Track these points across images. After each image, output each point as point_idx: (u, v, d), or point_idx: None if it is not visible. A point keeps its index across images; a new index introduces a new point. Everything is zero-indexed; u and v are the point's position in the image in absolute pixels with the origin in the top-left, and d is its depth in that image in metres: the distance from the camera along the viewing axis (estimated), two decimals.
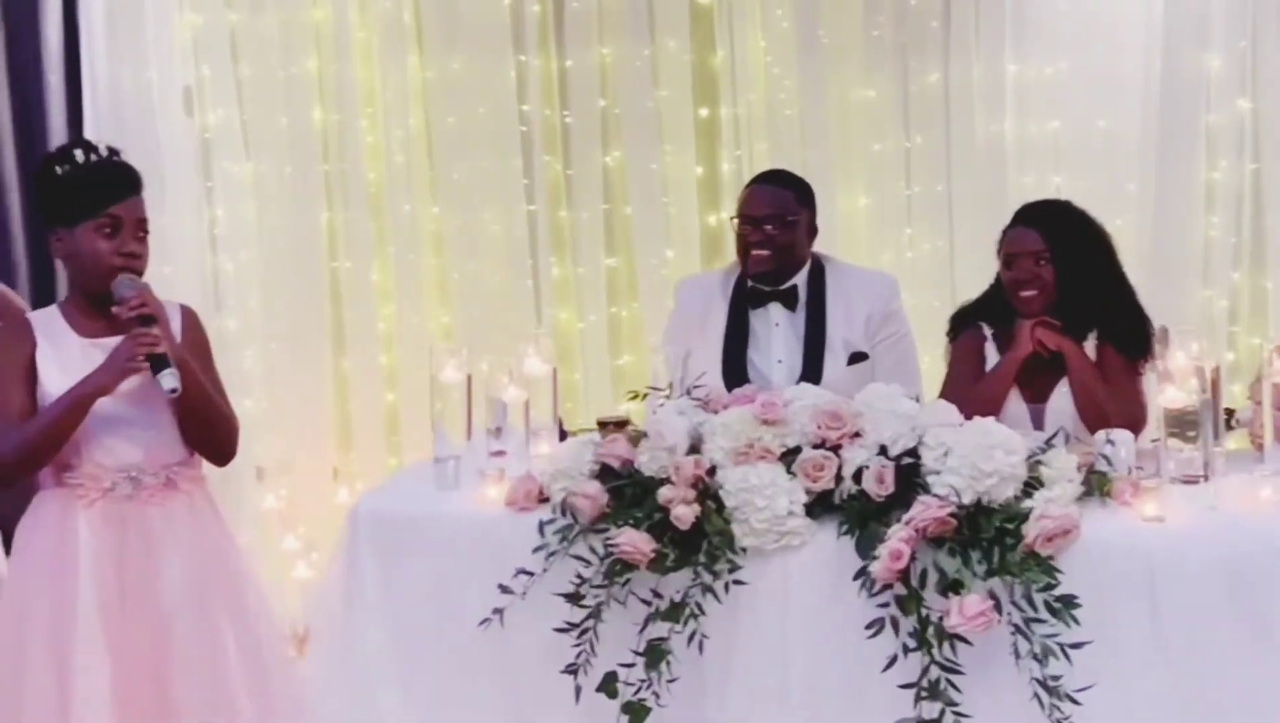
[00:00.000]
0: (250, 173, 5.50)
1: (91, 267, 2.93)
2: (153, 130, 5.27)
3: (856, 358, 3.99)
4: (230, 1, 5.44)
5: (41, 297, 5.74)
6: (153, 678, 2.93)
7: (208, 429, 3.07)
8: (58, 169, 2.93)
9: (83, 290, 3.00)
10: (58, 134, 5.90)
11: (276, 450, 5.38)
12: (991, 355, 3.85)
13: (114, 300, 2.90)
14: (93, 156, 2.95)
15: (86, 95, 5.53)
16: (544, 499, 3.30)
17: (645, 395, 3.64)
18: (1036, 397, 3.75)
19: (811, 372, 3.94)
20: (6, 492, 3.04)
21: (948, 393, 3.77)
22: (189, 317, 3.16)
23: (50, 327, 2.98)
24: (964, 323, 3.95)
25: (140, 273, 2.97)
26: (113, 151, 3.00)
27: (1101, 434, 3.32)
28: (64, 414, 2.86)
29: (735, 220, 4.08)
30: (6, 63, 6.04)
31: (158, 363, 2.86)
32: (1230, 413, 3.63)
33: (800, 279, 4.05)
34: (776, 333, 4.04)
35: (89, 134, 5.31)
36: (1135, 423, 3.55)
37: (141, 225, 2.97)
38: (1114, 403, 3.64)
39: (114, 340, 2.90)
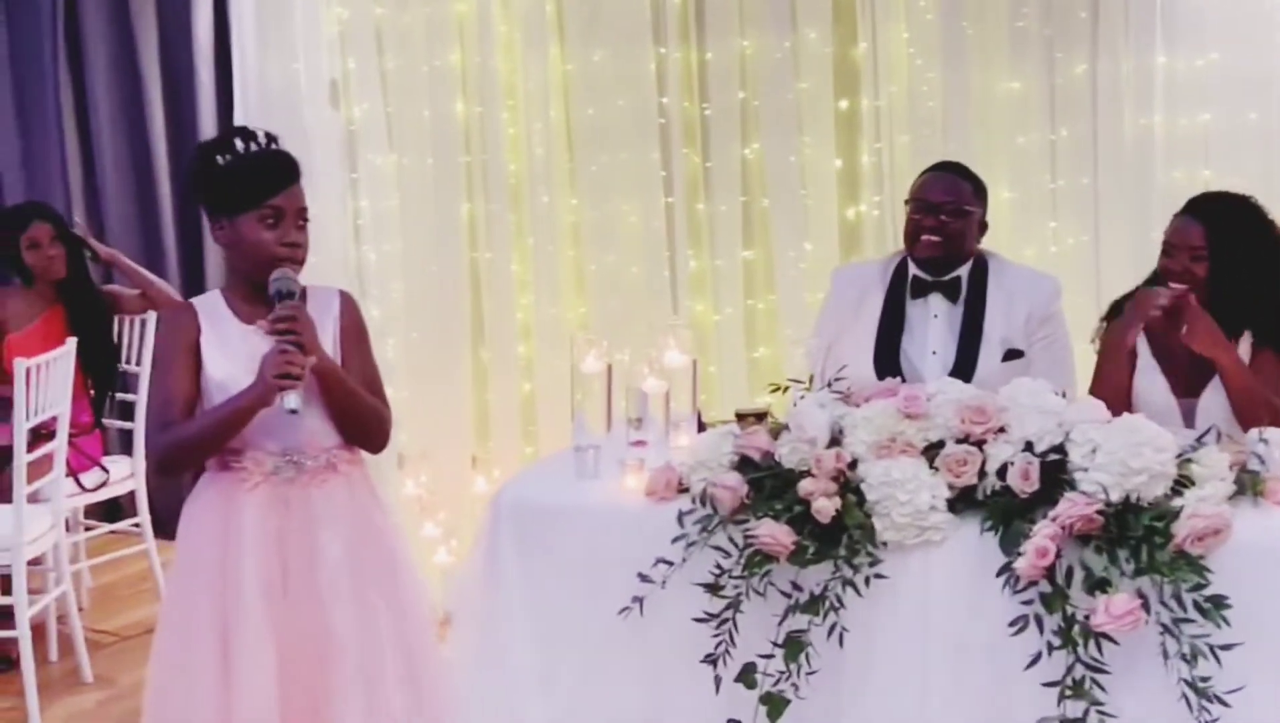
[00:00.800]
0: (394, 165, 5.60)
1: (254, 256, 2.95)
2: (300, 122, 5.42)
3: (1012, 355, 3.96)
4: None
5: (191, 284, 5.92)
6: (315, 656, 2.99)
7: (358, 424, 3.10)
8: (219, 159, 2.95)
9: (245, 278, 3.03)
10: (208, 126, 6.11)
11: (418, 439, 5.48)
12: (1144, 352, 3.78)
13: (269, 292, 2.93)
14: (252, 146, 2.96)
15: (237, 88, 5.70)
16: (683, 490, 3.31)
17: (786, 388, 3.64)
18: (1189, 392, 3.69)
19: (965, 366, 3.92)
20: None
21: (1098, 387, 3.74)
22: (347, 302, 3.19)
23: (214, 312, 3.02)
24: (1117, 313, 3.88)
25: (302, 262, 3.00)
26: (271, 139, 3.01)
27: (1254, 433, 3.26)
28: (221, 425, 2.92)
29: (907, 204, 4.06)
30: (160, 57, 6.25)
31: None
32: None
33: (964, 272, 4.03)
34: (934, 324, 4.01)
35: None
36: None
37: (302, 214, 2.99)
38: (1269, 402, 3.57)
39: None
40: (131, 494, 5.51)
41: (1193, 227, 3.71)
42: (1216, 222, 3.71)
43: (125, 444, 5.72)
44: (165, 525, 6.06)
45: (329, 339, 3.07)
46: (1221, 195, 3.88)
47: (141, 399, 5.34)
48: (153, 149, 6.34)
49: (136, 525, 5.51)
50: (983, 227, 4.08)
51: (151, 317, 5.39)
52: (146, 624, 5.26)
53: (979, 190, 4.06)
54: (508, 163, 5.52)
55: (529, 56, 5.46)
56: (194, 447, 2.96)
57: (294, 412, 2.86)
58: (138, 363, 5.44)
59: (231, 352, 2.98)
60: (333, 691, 2.99)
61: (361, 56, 5.60)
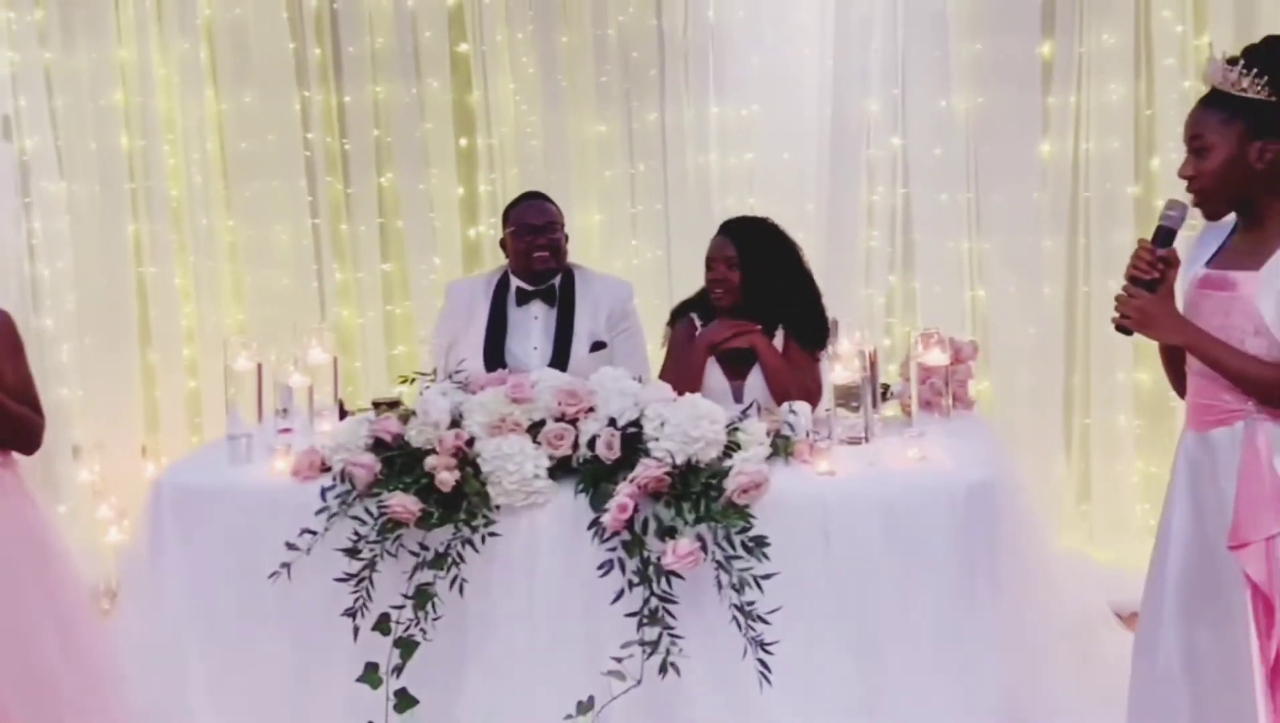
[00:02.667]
0: (64, 191, 5.31)
1: None
2: None
3: (597, 346, 4.00)
4: (45, 40, 5.25)
5: None
6: None
7: (10, 430, 2.88)
8: None
9: None
10: None
11: (93, 432, 5.20)
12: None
13: None
14: None
15: None
16: (325, 469, 3.23)
17: (414, 380, 3.59)
18: (736, 376, 3.79)
19: (561, 357, 3.94)
20: None
21: (665, 373, 3.81)
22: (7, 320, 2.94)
23: None
24: (679, 315, 3.99)
25: None
26: None
27: (785, 406, 3.41)
28: None
29: (508, 234, 4.03)
30: None
31: None
32: (886, 387, 3.77)
33: (556, 281, 4.04)
34: (534, 325, 4.01)
35: None
36: (812, 397, 3.64)
37: None
38: (797, 382, 3.72)
39: None
40: None
41: (726, 243, 3.82)
42: (744, 238, 3.82)
43: None
44: None
45: None
46: (745, 218, 4.01)
47: None
48: None
49: None
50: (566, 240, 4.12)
51: None
52: None
53: (559, 211, 4.09)
54: (169, 189, 5.26)
55: (186, 97, 5.21)
56: None
57: None
58: None
59: None
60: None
61: (32, 95, 5.24)
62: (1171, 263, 2.53)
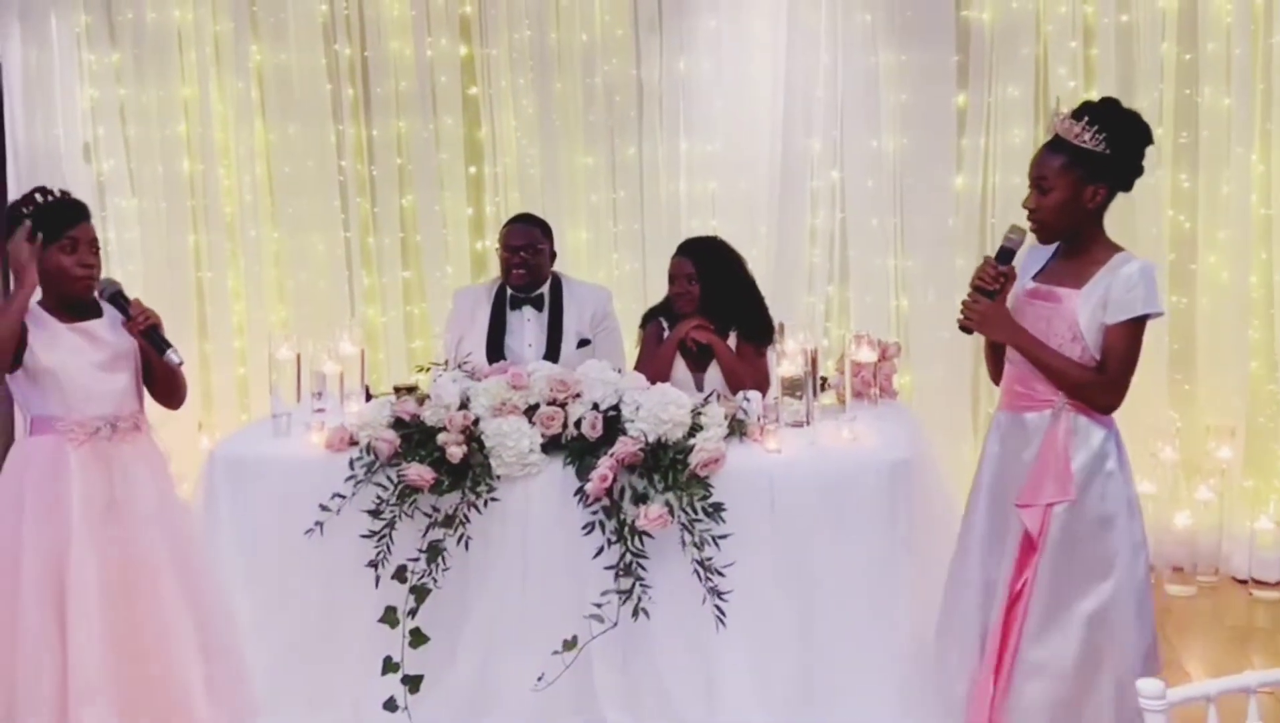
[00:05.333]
0: (135, 207, 5.26)
1: (60, 277, 2.70)
2: (60, 174, 4.97)
3: (583, 343, 3.98)
4: (120, 79, 5.20)
5: None
6: (139, 570, 2.73)
7: (175, 386, 2.90)
8: (24, 210, 2.69)
9: (54, 293, 2.73)
10: None
11: (157, 410, 5.09)
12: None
13: (103, 296, 2.74)
14: (49, 197, 2.71)
15: (9, 147, 5.25)
16: (353, 443, 3.22)
17: (429, 369, 3.58)
18: (698, 369, 3.80)
19: (552, 352, 3.93)
20: None
21: (639, 366, 3.81)
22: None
23: (38, 319, 2.72)
24: (650, 319, 3.98)
25: (96, 278, 2.76)
26: (63, 191, 2.75)
27: (740, 394, 3.42)
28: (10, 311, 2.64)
29: (499, 249, 4.02)
30: None
31: (163, 345, 2.75)
32: (824, 380, 3.77)
33: (545, 289, 4.02)
34: (528, 326, 3.99)
35: (11, 178, 5.02)
36: (760, 385, 3.66)
37: (94, 243, 2.76)
38: (748, 373, 3.73)
39: (87, 324, 2.74)
40: None
41: (684, 261, 3.81)
42: (699, 255, 3.83)
43: None
44: None
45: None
46: (699, 238, 4.02)
47: None
48: None
49: None
50: (552, 255, 4.07)
51: None
52: None
53: (546, 231, 4.05)
54: (224, 206, 5.21)
55: (239, 128, 5.16)
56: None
57: (181, 363, 2.74)
58: None
59: (59, 346, 2.71)
60: (163, 598, 2.74)
61: (109, 125, 5.20)
62: (1010, 277, 2.61)
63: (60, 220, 2.69)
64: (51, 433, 2.71)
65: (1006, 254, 2.59)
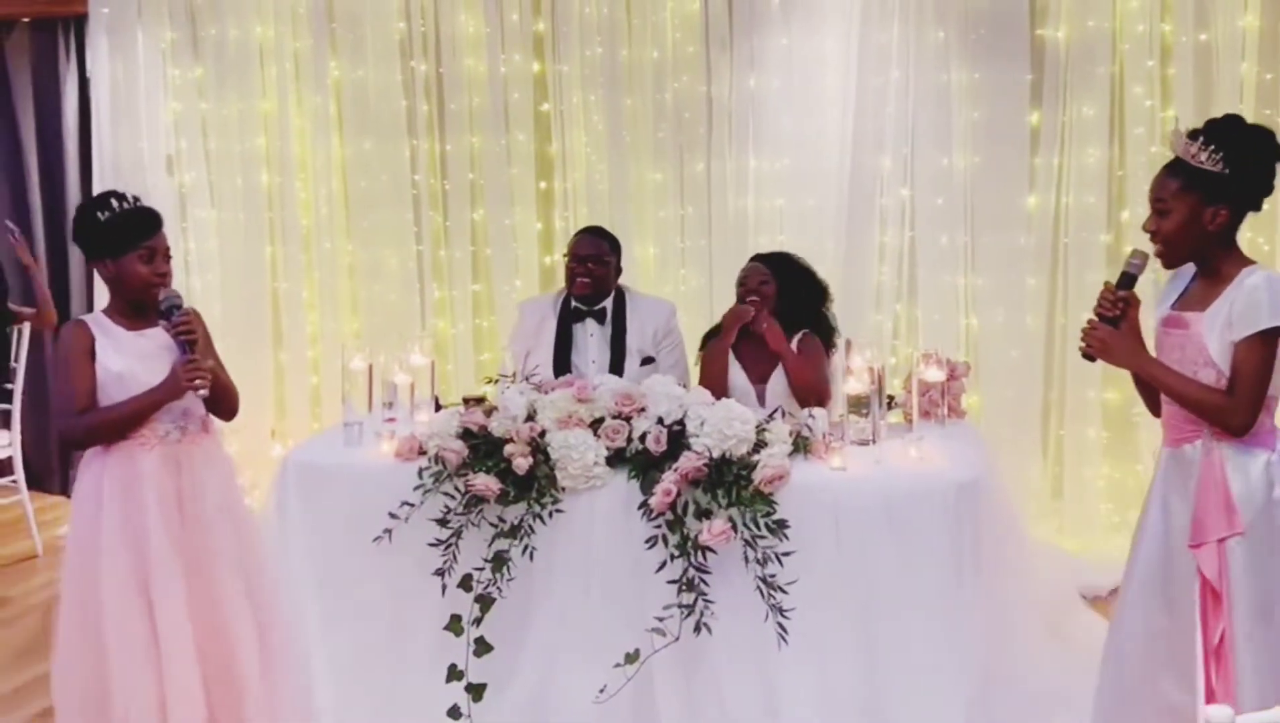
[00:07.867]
0: (214, 218, 5.39)
1: (134, 285, 2.73)
2: (143, 185, 5.11)
3: (646, 361, 3.98)
4: (202, 93, 5.33)
5: (58, 306, 5.44)
6: (210, 566, 2.76)
7: (227, 400, 2.89)
8: (99, 215, 2.71)
9: (126, 300, 2.77)
10: (73, 187, 5.72)
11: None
12: (733, 362, 3.81)
13: (160, 307, 2.73)
14: (124, 204, 2.74)
15: (95, 158, 5.43)
16: (422, 452, 3.26)
17: (496, 381, 3.61)
18: (759, 379, 3.76)
19: (616, 367, 3.93)
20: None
21: (703, 381, 3.80)
22: (197, 316, 2.95)
23: (103, 326, 2.76)
24: (709, 338, 3.95)
25: (169, 286, 2.78)
26: (136, 198, 2.78)
27: (805, 411, 3.40)
28: (139, 412, 2.70)
29: (566, 259, 4.05)
30: (36, 134, 5.81)
31: (185, 347, 2.72)
32: (891, 398, 3.75)
33: (608, 302, 4.03)
34: (591, 341, 4.00)
35: (97, 187, 5.15)
36: (822, 387, 3.62)
37: (167, 252, 2.79)
38: (811, 372, 3.68)
39: (150, 330, 2.75)
40: (9, 458, 5.04)
41: (758, 266, 3.83)
42: (772, 261, 3.85)
43: (4, 420, 5.22)
44: (38, 481, 5.67)
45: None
46: (772, 253, 4.02)
47: (17, 389, 4.95)
48: (30, 204, 5.85)
49: (13, 481, 5.02)
50: (618, 269, 4.08)
51: (25, 327, 4.98)
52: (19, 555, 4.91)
53: (613, 245, 4.06)
54: (301, 218, 5.32)
55: (317, 142, 5.27)
56: (114, 426, 2.70)
57: (205, 395, 2.70)
58: (15, 360, 5.00)
59: (125, 352, 2.74)
60: (228, 598, 2.77)
61: (190, 139, 5.33)
62: (1131, 303, 2.50)
63: (140, 230, 2.72)
64: (122, 440, 2.75)
65: (1127, 279, 2.49)
